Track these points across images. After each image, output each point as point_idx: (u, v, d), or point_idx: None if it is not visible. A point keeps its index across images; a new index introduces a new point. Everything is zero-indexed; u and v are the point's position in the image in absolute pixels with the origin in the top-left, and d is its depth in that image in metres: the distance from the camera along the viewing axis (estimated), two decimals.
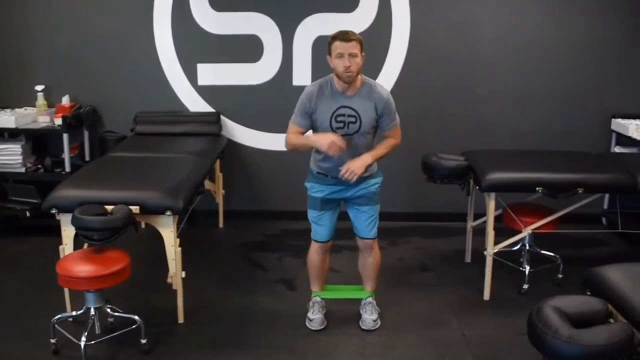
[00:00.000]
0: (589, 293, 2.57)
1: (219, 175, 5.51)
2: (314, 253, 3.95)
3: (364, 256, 3.96)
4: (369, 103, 3.58)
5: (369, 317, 3.93)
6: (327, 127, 3.59)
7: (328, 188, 3.76)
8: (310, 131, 3.71)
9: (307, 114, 3.63)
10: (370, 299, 4.02)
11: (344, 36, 3.45)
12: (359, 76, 3.58)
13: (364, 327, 3.90)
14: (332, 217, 3.85)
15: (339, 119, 3.58)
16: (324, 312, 4.01)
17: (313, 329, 3.91)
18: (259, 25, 5.44)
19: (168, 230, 3.75)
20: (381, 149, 3.67)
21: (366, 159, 3.57)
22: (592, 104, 5.60)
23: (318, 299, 4.05)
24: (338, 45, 3.44)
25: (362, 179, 3.67)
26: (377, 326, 3.92)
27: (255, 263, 4.93)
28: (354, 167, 3.51)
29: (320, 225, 3.86)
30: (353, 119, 3.57)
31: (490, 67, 5.54)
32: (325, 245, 3.92)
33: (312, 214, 3.86)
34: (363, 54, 3.51)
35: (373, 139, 3.74)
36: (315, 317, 3.96)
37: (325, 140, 3.46)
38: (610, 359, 2.15)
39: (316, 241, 3.92)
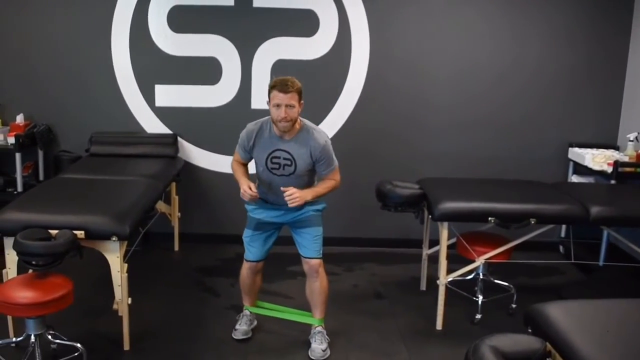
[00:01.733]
0: (530, 330, 2.55)
1: (175, 198, 5.45)
2: (245, 272, 4.01)
3: (310, 281, 3.93)
4: (304, 149, 3.67)
5: (318, 346, 3.88)
6: (263, 165, 3.76)
7: (268, 212, 3.87)
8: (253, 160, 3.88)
9: (245, 150, 3.80)
10: (319, 328, 3.97)
11: (282, 87, 3.51)
12: (298, 120, 3.66)
13: (312, 357, 3.84)
14: (267, 240, 3.94)
15: (274, 160, 3.71)
16: (252, 325, 4.14)
17: (235, 337, 4.05)
18: (218, 47, 5.41)
19: (114, 256, 3.68)
20: (321, 189, 3.77)
21: (306, 195, 3.65)
22: (550, 133, 5.65)
23: (247, 312, 4.16)
24: (276, 95, 3.51)
25: (301, 206, 3.76)
26: (326, 356, 3.86)
27: (207, 288, 4.85)
28: (298, 195, 3.61)
29: (252, 246, 3.93)
30: (288, 162, 3.69)
31: (448, 96, 5.58)
32: (256, 266, 3.97)
33: (246, 234, 3.96)
34: (302, 101, 3.60)
35: (312, 178, 3.88)
36: (240, 327, 4.09)
37: (242, 187, 3.66)
38: None
39: (247, 260, 3.97)
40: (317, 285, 3.92)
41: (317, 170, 3.79)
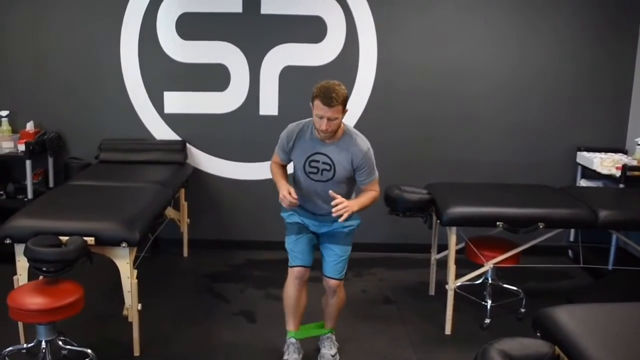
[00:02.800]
0: (539, 334, 2.56)
1: (184, 204, 5.47)
2: (290, 284, 3.73)
3: (329, 296, 3.85)
4: (345, 154, 3.50)
5: (328, 352, 3.88)
6: (301, 169, 3.60)
7: (303, 218, 3.74)
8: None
9: (285, 152, 3.65)
10: (329, 334, 3.97)
11: (325, 99, 3.29)
12: (341, 125, 3.50)
13: None
14: (310, 243, 3.72)
15: (312, 164, 3.55)
16: (301, 354, 3.84)
17: None
18: (226, 54, 5.44)
19: (124, 262, 3.70)
20: (366, 199, 3.56)
21: (353, 205, 3.44)
22: (559, 137, 5.65)
23: (293, 340, 3.85)
24: (318, 106, 3.32)
25: (337, 218, 3.50)
26: None
27: (217, 294, 4.87)
28: (347, 204, 3.40)
29: (297, 250, 3.69)
30: (327, 167, 3.53)
31: (456, 101, 5.58)
32: (303, 273, 3.70)
33: (289, 240, 3.74)
34: (346, 109, 3.42)
35: (352, 188, 3.70)
36: (289, 357, 3.80)
37: (281, 192, 3.50)
38: None
39: (293, 267, 3.70)
40: (334, 302, 3.85)
41: (357, 179, 3.59)
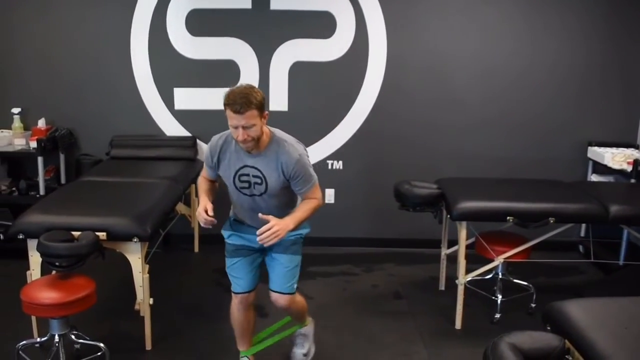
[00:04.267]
0: (549, 328, 2.56)
1: (195, 200, 5.49)
2: (235, 309, 3.48)
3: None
4: (274, 165, 3.13)
5: (299, 350, 3.74)
6: (231, 184, 3.26)
7: (245, 236, 3.38)
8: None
9: (211, 167, 3.33)
10: (302, 330, 3.77)
11: (235, 107, 2.92)
12: (267, 132, 3.13)
13: None
14: (251, 265, 3.39)
15: (242, 178, 3.20)
16: None
17: None
18: (235, 50, 5.45)
19: (135, 257, 3.73)
20: (302, 213, 3.19)
21: (288, 225, 3.08)
22: (569, 132, 5.63)
23: (245, 359, 3.65)
24: (230, 115, 2.96)
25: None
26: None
27: (227, 289, 4.79)
28: (278, 230, 3.02)
29: (236, 276, 3.41)
30: (258, 180, 3.16)
31: (466, 95, 5.57)
32: (247, 299, 3.43)
33: (227, 264, 3.46)
34: (266, 112, 3.06)
35: (292, 197, 3.33)
36: None
37: (198, 209, 3.20)
38: None
39: (235, 293, 3.44)
40: (290, 313, 3.62)
41: (293, 188, 3.22)
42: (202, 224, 3.13)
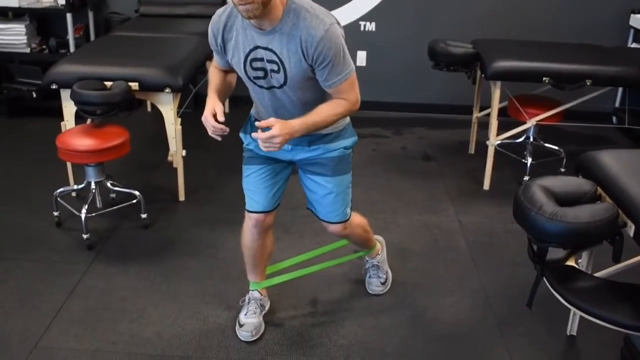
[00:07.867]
0: (580, 176, 2.55)
1: None
2: (247, 232, 2.73)
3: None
4: (293, 43, 2.20)
5: (375, 280, 3.17)
6: (243, 75, 2.38)
7: None
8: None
9: (218, 53, 2.45)
10: (372, 260, 3.15)
11: None
12: None
13: (369, 291, 3.16)
14: (271, 179, 2.63)
15: (255, 65, 2.30)
16: (263, 312, 2.90)
17: (242, 339, 2.80)
18: None
19: (168, 108, 3.74)
20: (319, 116, 2.32)
21: (292, 128, 2.24)
22: None
23: (256, 293, 2.91)
24: None
25: (317, 138, 2.49)
26: (385, 290, 3.17)
27: None
28: (277, 134, 2.19)
29: (252, 189, 2.66)
30: (275, 67, 2.26)
31: None
32: (263, 221, 2.66)
33: (243, 173, 2.72)
34: None
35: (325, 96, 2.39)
36: (247, 321, 2.83)
37: (205, 113, 2.33)
38: (591, 237, 2.16)
39: (248, 212, 2.68)
40: (349, 239, 2.96)
41: (319, 80, 2.29)
42: (210, 133, 2.32)
